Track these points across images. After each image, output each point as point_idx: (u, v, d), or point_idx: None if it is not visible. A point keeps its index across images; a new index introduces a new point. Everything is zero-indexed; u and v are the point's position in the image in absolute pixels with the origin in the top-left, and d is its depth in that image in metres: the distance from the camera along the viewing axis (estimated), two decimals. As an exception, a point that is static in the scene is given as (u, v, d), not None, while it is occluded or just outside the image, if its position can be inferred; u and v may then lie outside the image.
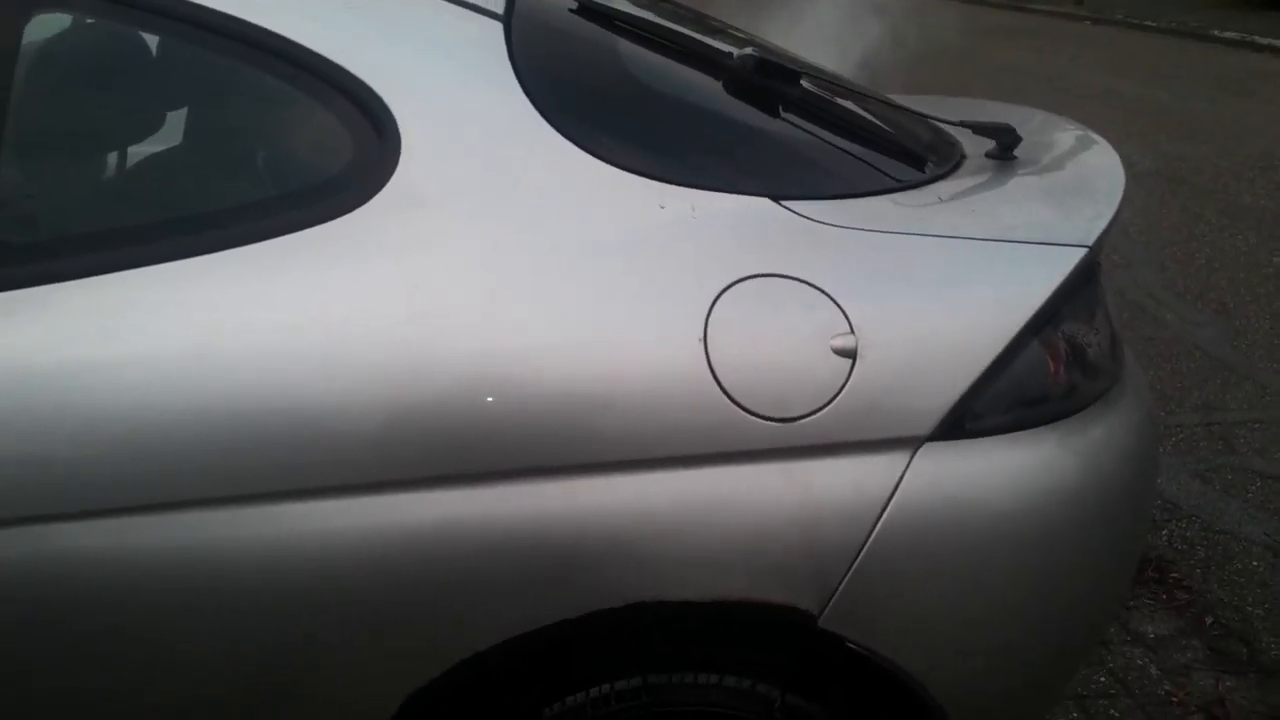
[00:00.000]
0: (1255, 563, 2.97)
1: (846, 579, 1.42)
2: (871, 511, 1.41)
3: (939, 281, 1.47)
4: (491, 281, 1.37)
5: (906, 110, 1.91)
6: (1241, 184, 6.49)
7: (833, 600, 1.43)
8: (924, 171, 1.69)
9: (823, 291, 1.40)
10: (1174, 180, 6.55)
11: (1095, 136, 1.96)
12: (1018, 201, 1.70)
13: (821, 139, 1.64)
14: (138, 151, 1.62)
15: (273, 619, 1.37)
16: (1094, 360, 1.58)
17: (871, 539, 1.41)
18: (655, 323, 1.38)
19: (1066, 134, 2.04)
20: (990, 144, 1.81)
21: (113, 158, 1.71)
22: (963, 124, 1.82)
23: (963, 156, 1.83)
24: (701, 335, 1.36)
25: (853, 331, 1.39)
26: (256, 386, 1.32)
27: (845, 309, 1.40)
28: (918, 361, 1.42)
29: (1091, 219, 1.58)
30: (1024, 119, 2.17)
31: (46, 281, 1.34)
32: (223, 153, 1.49)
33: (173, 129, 1.55)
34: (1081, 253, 1.50)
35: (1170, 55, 11.54)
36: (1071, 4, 15.29)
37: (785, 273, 1.41)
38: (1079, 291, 1.55)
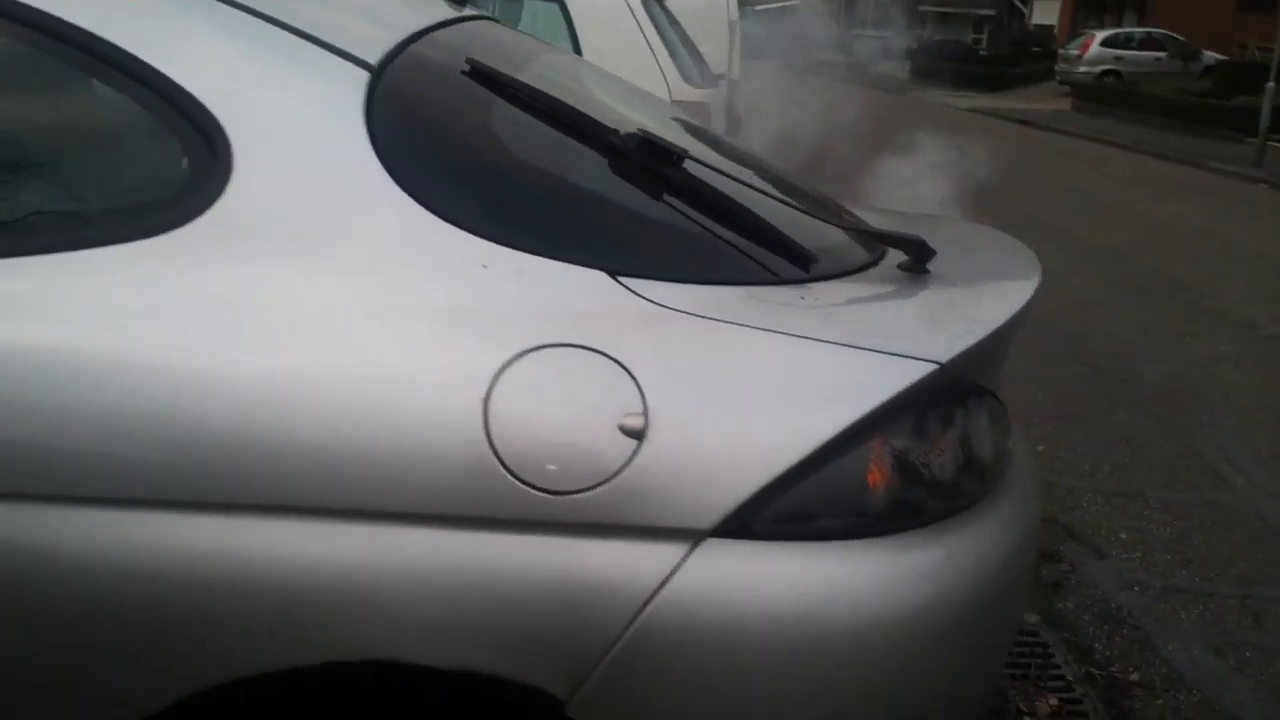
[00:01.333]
0: (1245, 750, 2.74)
1: (600, 668, 1.37)
2: (635, 601, 1.36)
3: (755, 376, 1.43)
4: (290, 315, 1.39)
5: (815, 212, 1.87)
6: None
7: (583, 689, 1.38)
8: (807, 270, 1.65)
9: (626, 369, 1.38)
10: (1296, 349, 6.21)
11: (1033, 266, 1.87)
12: (892, 312, 1.66)
13: (694, 223, 1.62)
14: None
15: (17, 621, 1.38)
16: (933, 481, 1.50)
17: (632, 630, 1.36)
18: (441, 376, 1.37)
19: (1006, 258, 1.97)
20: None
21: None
22: (868, 232, 1.78)
23: (873, 264, 1.78)
24: (485, 395, 1.35)
25: (645, 413, 1.36)
26: (26, 387, 1.35)
27: (644, 390, 1.37)
28: (710, 453, 1.38)
29: (956, 337, 1.51)
30: (972, 236, 2.12)
31: None
32: (55, 160, 1.55)
33: (11, 132, 1.61)
34: (929, 368, 1.44)
35: (1345, 228, 11.00)
36: (1249, 165, 14.77)
37: (593, 346, 1.39)
38: (922, 408, 1.48)
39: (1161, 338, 6.35)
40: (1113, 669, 3.05)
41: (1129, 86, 24.98)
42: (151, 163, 1.52)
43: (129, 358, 1.36)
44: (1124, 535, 3.83)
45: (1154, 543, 3.78)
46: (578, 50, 5.81)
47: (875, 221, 2.14)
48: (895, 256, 1.81)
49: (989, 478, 1.61)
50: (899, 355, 1.46)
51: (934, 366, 1.44)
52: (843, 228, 1.84)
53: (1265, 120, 15.09)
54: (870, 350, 1.46)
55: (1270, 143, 15.16)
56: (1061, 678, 2.98)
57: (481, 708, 1.45)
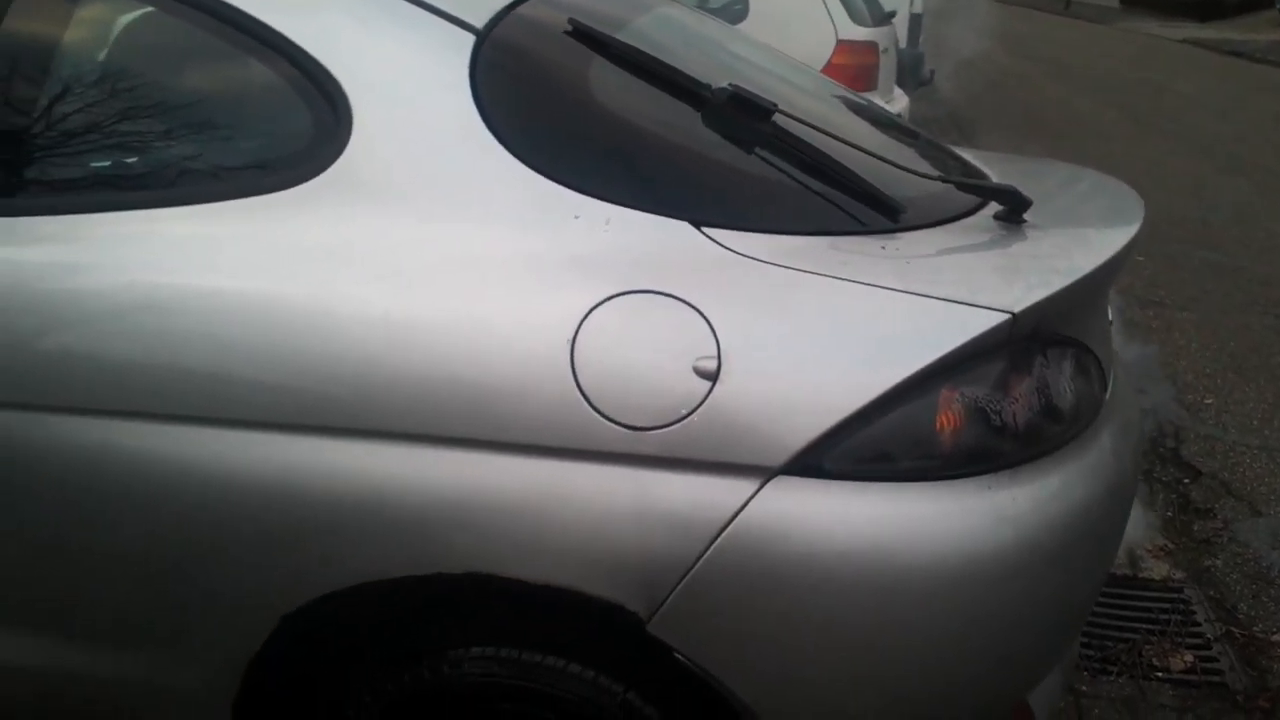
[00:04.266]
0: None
1: (676, 590, 1.47)
2: (709, 531, 1.45)
3: (826, 323, 1.49)
4: (402, 261, 1.53)
5: (915, 163, 1.90)
6: None
7: (661, 608, 1.48)
8: (895, 220, 1.69)
9: (701, 314, 1.47)
10: None
11: (1136, 215, 1.86)
12: (973, 262, 1.68)
13: (782, 174, 1.69)
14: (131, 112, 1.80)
15: (182, 524, 1.59)
16: (1006, 427, 1.53)
17: (705, 557, 1.45)
18: (532, 318, 1.49)
19: (1109, 207, 1.96)
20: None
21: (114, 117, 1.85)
22: (959, 184, 1.81)
23: (969, 214, 1.81)
24: (571, 337, 1.46)
25: (718, 355, 1.45)
26: (185, 322, 1.55)
27: (718, 333, 1.46)
28: (780, 395, 1.45)
29: (1031, 288, 1.54)
30: (1081, 183, 2.11)
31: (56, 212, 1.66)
32: (197, 121, 1.72)
33: (154, 95, 1.80)
34: (1001, 318, 1.48)
35: None
36: None
37: (671, 292, 1.48)
38: (996, 356, 1.52)
39: (1360, 287, 5.99)
40: (1255, 629, 2.98)
41: (1361, 14, 23.10)
42: (282, 122, 1.67)
43: (267, 297, 1.54)
44: (1286, 493, 3.70)
45: (1317, 502, 3.64)
46: (742, -10, 5.82)
47: (991, 168, 2.15)
48: (995, 206, 1.83)
49: (1073, 425, 1.63)
50: (970, 305, 1.49)
51: (1006, 317, 1.48)
52: (935, 179, 1.86)
53: None
54: (941, 300, 1.50)
55: None
56: (1201, 635, 2.93)
57: (572, 621, 1.58)
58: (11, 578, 1.72)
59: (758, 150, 1.71)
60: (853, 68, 5.75)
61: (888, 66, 6.31)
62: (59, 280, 1.62)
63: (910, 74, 7.83)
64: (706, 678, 1.51)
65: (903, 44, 7.71)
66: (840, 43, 5.81)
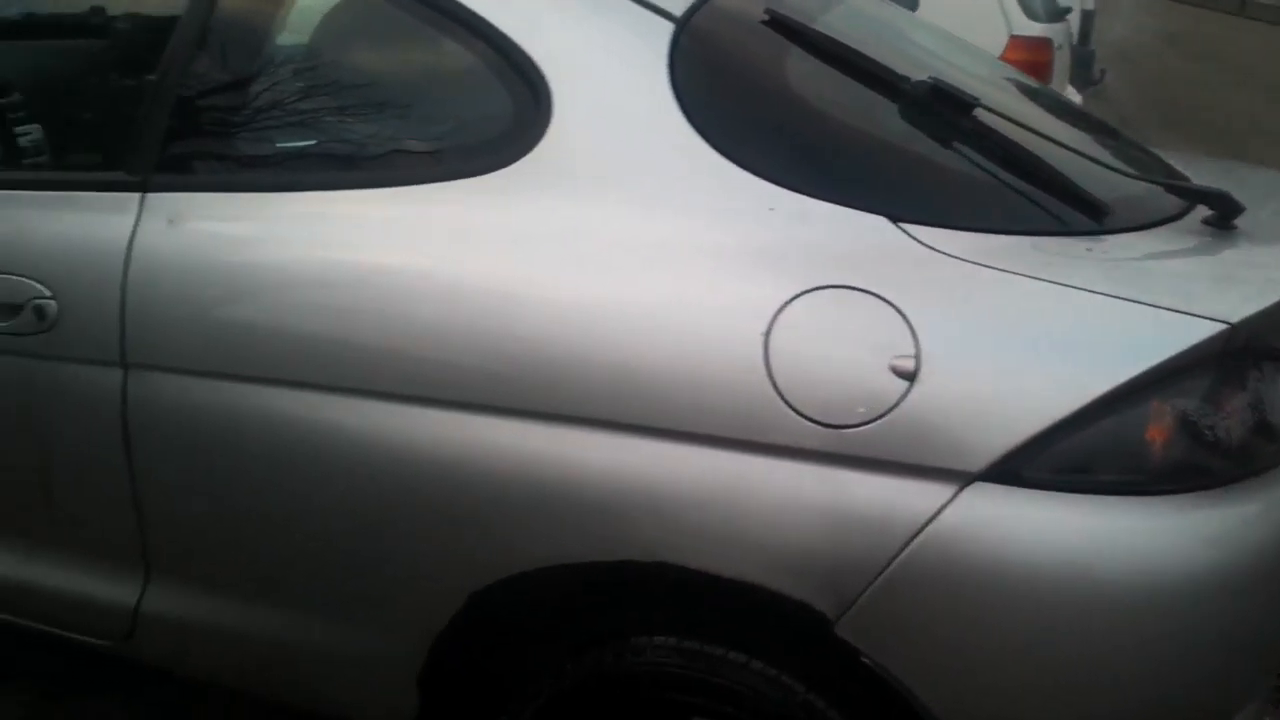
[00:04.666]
0: None
1: (867, 593, 1.45)
2: (903, 534, 1.42)
3: (1031, 326, 1.45)
4: (597, 247, 1.56)
5: (1120, 164, 1.83)
6: None
7: (851, 610, 1.46)
8: (1100, 222, 1.64)
9: (900, 312, 1.44)
10: None
11: None
12: (1186, 268, 1.62)
13: (982, 171, 1.65)
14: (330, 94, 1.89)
15: (367, 498, 1.65)
16: (1219, 444, 1.47)
17: (898, 561, 1.43)
18: (726, 311, 1.49)
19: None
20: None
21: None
22: (1167, 186, 1.74)
23: (1176, 218, 1.74)
24: (765, 330, 1.45)
25: (917, 355, 1.42)
26: (375, 300, 1.61)
27: (917, 332, 1.43)
28: (981, 398, 1.42)
29: (1248, 299, 1.47)
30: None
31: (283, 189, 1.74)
32: (406, 106, 1.77)
33: (359, 77, 1.85)
34: (1217, 329, 1.41)
35: None
36: None
37: (869, 288, 1.46)
38: (1210, 368, 1.46)
39: None
40: None
41: None
42: (482, 107, 1.72)
43: (464, 280, 1.58)
44: None
45: None
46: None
47: (1196, 173, 2.06)
48: (1204, 211, 1.75)
49: None
50: (1185, 314, 1.43)
51: (1223, 327, 1.41)
52: (1142, 181, 1.80)
53: None
54: (1155, 307, 1.44)
55: None
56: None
57: (757, 617, 1.56)
58: (203, 542, 1.81)
59: (957, 145, 1.67)
60: (1025, 64, 5.55)
61: (1061, 64, 6.12)
62: (250, 254, 1.70)
63: (1081, 73, 7.57)
64: (894, 683, 1.48)
65: (1074, 41, 7.46)
66: (1013, 38, 5.64)
